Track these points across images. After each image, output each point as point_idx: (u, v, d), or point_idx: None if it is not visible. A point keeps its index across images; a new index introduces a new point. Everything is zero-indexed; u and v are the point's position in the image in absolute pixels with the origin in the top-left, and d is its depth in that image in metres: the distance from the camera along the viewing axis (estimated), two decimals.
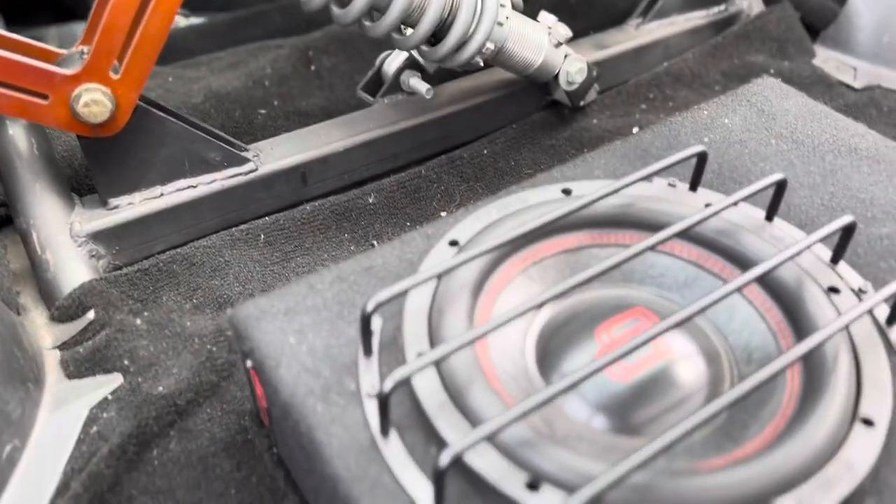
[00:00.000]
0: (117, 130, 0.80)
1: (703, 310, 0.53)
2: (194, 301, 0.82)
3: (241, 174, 0.89)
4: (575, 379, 0.48)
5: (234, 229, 0.89)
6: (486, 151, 1.04)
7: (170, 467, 0.67)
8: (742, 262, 0.63)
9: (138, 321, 0.78)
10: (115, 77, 0.78)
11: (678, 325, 0.52)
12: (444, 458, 0.45)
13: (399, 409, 0.54)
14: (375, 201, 0.95)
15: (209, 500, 0.65)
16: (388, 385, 0.49)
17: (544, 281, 0.65)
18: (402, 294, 0.56)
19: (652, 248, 0.58)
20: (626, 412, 0.57)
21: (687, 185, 0.72)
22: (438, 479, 0.46)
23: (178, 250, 0.86)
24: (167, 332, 0.77)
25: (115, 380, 0.73)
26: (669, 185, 0.73)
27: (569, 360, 0.60)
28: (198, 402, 0.72)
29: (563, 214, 0.62)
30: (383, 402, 0.50)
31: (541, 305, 0.54)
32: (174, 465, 0.68)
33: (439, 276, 0.56)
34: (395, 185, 0.97)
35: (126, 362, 0.74)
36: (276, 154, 0.92)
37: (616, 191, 0.63)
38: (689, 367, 0.59)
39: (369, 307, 0.54)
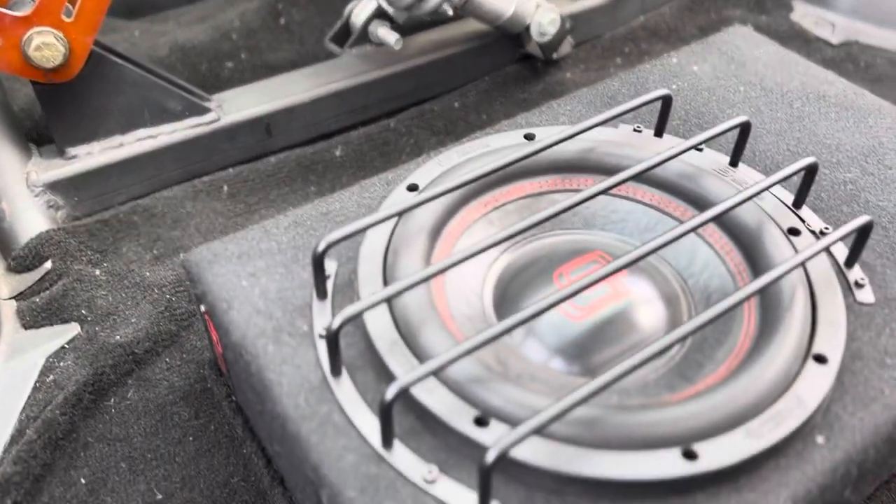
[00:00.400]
0: (72, 76, 0.78)
1: (656, 249, 0.52)
2: (154, 252, 0.80)
3: (202, 124, 0.87)
4: (524, 315, 0.48)
5: (196, 181, 0.87)
6: (457, 105, 1.02)
7: (127, 415, 0.67)
8: (704, 205, 0.62)
9: (97, 271, 0.77)
10: (67, 20, 0.75)
11: (631, 264, 0.51)
12: (390, 392, 0.44)
13: (352, 351, 0.54)
14: (342, 154, 0.94)
15: (166, 448, 0.65)
16: (337, 321, 0.48)
17: (505, 226, 0.64)
18: (356, 235, 0.54)
19: (605, 191, 0.57)
20: (584, 354, 0.56)
21: (653, 132, 0.71)
22: (385, 412, 0.45)
23: (139, 201, 0.85)
24: (126, 283, 0.76)
25: (73, 329, 0.72)
26: (635, 130, 0.72)
27: (526, 302, 0.59)
28: (156, 351, 0.71)
29: (521, 157, 0.61)
30: (332, 338, 0.49)
31: (493, 245, 0.53)
32: (131, 413, 0.67)
33: (398, 216, 0.55)
34: (363, 138, 0.96)
35: (83, 312, 0.73)
36: (239, 104, 0.90)
37: (576, 134, 0.62)
38: (647, 310, 0.59)
39: (321, 247, 0.53)
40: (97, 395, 0.67)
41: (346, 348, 0.54)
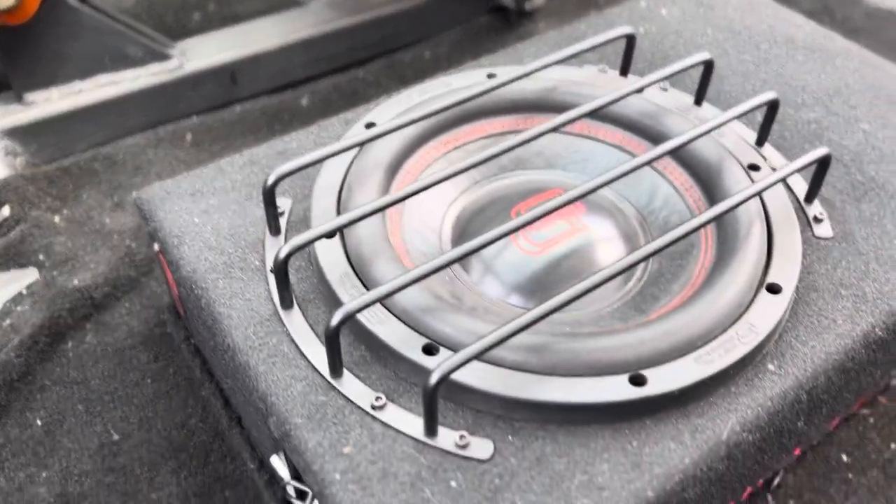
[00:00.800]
0: (27, 19, 0.76)
1: (608, 182, 0.51)
2: (115, 199, 0.79)
3: (165, 72, 0.86)
4: (472, 245, 0.47)
5: (159, 128, 0.86)
6: (427, 55, 1.01)
7: (84, 359, 0.66)
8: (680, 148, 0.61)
9: (56, 218, 0.76)
10: None
11: (582, 196, 0.50)
12: (336, 318, 0.44)
13: (305, 285, 0.53)
14: (309, 103, 0.92)
15: (124, 390, 0.64)
16: (285, 251, 0.47)
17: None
18: (308, 168, 0.54)
19: (558, 127, 0.56)
20: (541, 289, 0.56)
21: (618, 72, 0.70)
22: (331, 339, 0.45)
23: (101, 149, 0.83)
24: (86, 229, 0.75)
25: (30, 275, 0.71)
26: (600, 71, 0.71)
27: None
28: (115, 296, 0.70)
29: (479, 93, 0.60)
30: (281, 269, 0.48)
31: (445, 179, 0.52)
32: (89, 356, 0.66)
33: (350, 149, 0.54)
34: (331, 88, 0.94)
35: (41, 258, 0.72)
36: (203, 52, 0.89)
37: (535, 71, 0.61)
38: (605, 246, 0.58)
39: (270, 180, 0.52)
40: (54, 339, 0.66)
41: (298, 283, 0.53)
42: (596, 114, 0.65)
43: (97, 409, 0.63)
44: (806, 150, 0.63)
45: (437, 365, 0.41)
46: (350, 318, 0.44)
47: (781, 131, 0.65)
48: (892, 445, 0.64)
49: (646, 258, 0.47)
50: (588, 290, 0.45)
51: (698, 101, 0.67)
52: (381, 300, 0.45)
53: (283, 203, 0.58)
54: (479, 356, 0.42)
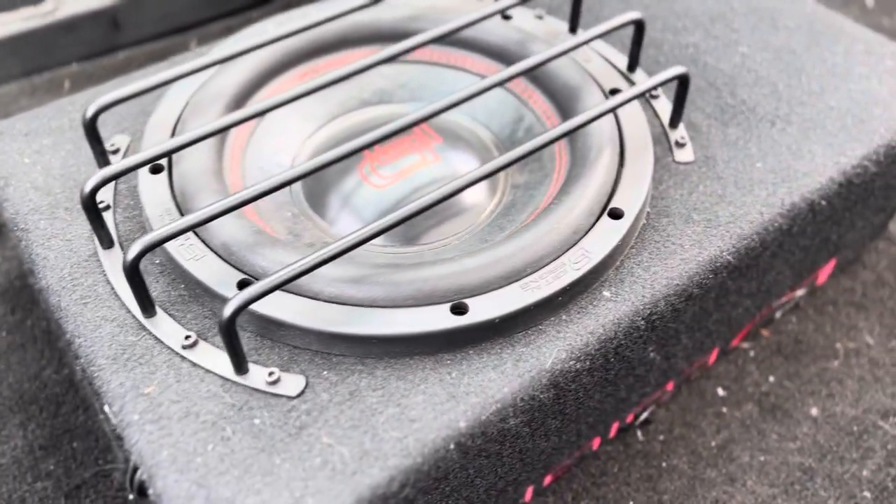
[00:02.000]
0: None
1: (449, 106, 0.49)
2: None
3: (38, 16, 0.81)
4: (295, 173, 0.44)
5: (35, 76, 0.82)
6: None
7: None
8: (534, 72, 0.58)
9: None
10: None
11: (422, 120, 0.48)
12: (133, 250, 0.41)
13: (130, 224, 0.50)
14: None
15: None
16: (92, 182, 0.44)
17: (323, 98, 0.60)
18: (135, 98, 0.51)
19: (393, 58, 0.52)
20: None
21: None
22: (131, 274, 0.42)
23: None
24: None
25: None
26: None
27: (334, 177, 0.55)
28: None
29: (326, 19, 0.56)
30: (87, 203, 0.45)
31: (271, 109, 0.49)
32: None
33: (179, 79, 0.51)
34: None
35: None
36: None
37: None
38: (459, 176, 0.56)
39: (90, 111, 0.49)
40: None
41: (123, 222, 0.50)
42: (463, 43, 0.62)
43: None
44: None
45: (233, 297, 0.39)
46: (150, 250, 0.41)
47: (657, 56, 0.63)
48: (771, 378, 0.63)
49: (475, 182, 0.45)
50: (410, 216, 0.42)
51: (573, 29, 0.64)
52: (188, 230, 0.42)
53: (121, 140, 0.55)
54: (280, 287, 0.39)
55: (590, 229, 0.47)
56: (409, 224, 0.46)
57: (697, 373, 0.63)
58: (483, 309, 0.43)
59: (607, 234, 0.47)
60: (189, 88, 0.57)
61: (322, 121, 0.60)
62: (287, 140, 0.58)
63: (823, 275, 0.69)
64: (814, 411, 0.60)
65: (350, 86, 0.62)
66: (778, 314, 0.66)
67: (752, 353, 0.64)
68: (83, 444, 0.56)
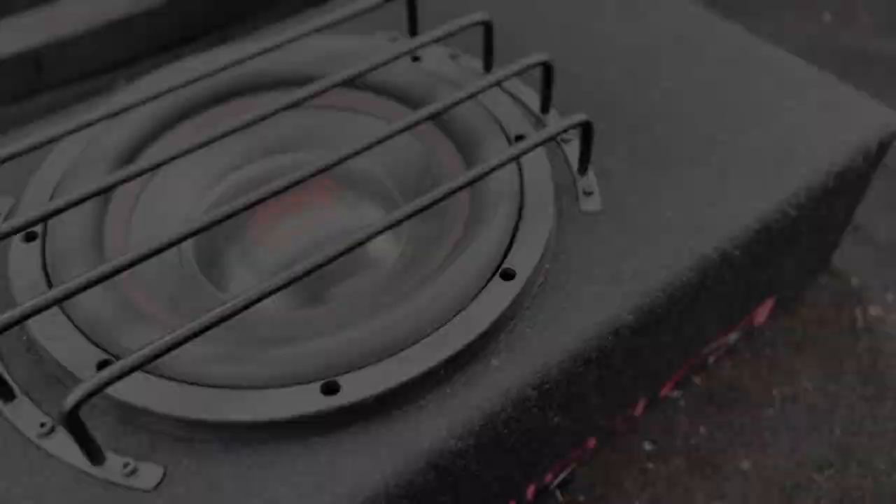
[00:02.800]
0: None
1: (349, 156, 0.46)
2: None
3: None
4: (176, 235, 0.41)
5: None
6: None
7: None
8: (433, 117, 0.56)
9: None
10: None
11: (325, 170, 0.45)
12: None
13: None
14: None
15: None
16: None
17: (222, 149, 0.57)
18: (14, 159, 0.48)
19: (296, 104, 0.50)
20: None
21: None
22: None
23: None
24: None
25: None
26: (390, 39, 0.65)
27: (222, 230, 0.53)
28: None
29: (226, 65, 0.54)
30: None
31: (157, 166, 0.46)
32: None
33: (65, 138, 0.48)
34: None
35: None
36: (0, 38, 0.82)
37: (289, 41, 0.55)
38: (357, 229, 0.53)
39: None
40: None
41: None
42: (370, 87, 0.60)
43: None
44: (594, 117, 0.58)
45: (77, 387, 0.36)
46: (6, 330, 0.38)
47: (572, 94, 0.60)
48: (702, 429, 0.60)
49: (358, 244, 0.42)
50: (281, 287, 0.40)
51: (487, 68, 0.61)
52: (48, 307, 0.39)
53: (3, 203, 0.53)
54: (134, 370, 0.37)
55: (478, 293, 0.45)
56: (303, 284, 0.43)
57: (623, 426, 0.60)
58: (356, 387, 0.40)
59: (496, 298, 0.44)
60: (79, 145, 0.54)
61: (222, 174, 0.58)
62: (182, 198, 0.55)
63: (761, 315, 0.66)
64: (745, 465, 0.57)
65: (252, 135, 0.59)
66: (711, 359, 0.63)
67: (682, 403, 0.61)
68: None
